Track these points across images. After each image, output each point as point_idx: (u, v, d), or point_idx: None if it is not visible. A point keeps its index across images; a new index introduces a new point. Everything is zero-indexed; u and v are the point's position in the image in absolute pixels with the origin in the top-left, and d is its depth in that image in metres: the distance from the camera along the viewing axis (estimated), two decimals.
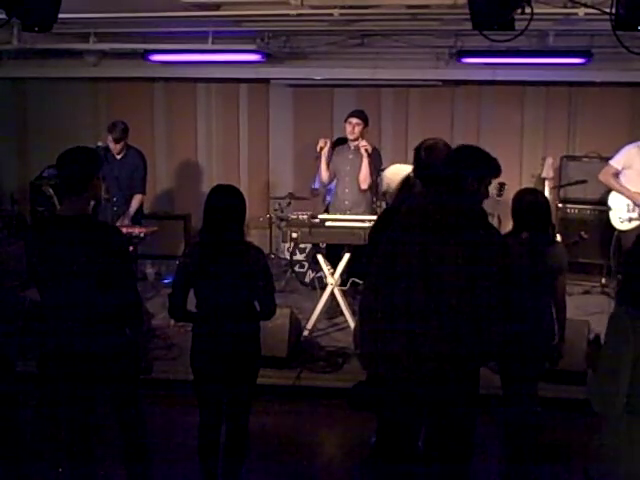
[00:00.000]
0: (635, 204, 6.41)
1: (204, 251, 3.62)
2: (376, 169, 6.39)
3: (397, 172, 5.11)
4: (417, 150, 3.59)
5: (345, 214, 6.38)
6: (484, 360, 3.27)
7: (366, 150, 6.28)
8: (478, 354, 3.06)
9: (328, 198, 7.26)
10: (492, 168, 3.45)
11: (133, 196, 7.01)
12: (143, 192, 7.12)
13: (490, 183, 3.46)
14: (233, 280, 3.57)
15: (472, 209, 3.12)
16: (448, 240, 2.99)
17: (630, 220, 6.57)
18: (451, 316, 2.95)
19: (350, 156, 6.57)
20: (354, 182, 6.52)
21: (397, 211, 3.31)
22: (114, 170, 6.79)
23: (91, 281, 3.31)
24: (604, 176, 6.61)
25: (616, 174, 6.54)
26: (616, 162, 6.54)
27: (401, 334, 3.01)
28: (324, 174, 6.61)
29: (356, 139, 6.44)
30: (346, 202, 6.58)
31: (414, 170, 3.66)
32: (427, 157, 3.51)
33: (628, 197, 6.48)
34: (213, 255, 3.57)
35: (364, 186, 6.44)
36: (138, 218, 7.11)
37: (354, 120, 6.46)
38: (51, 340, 3.43)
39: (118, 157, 6.93)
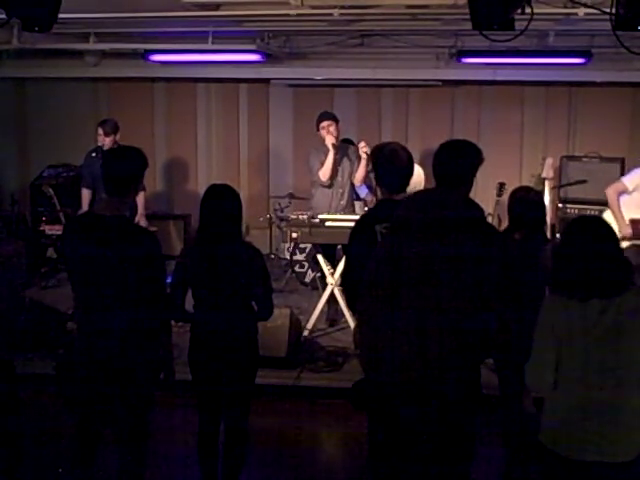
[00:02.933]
0: (621, 234, 5.90)
1: (201, 251, 3.61)
2: (352, 163, 6.47)
3: None
4: (377, 156, 3.66)
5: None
6: (482, 357, 3.26)
7: (365, 153, 6.27)
8: (478, 352, 3.06)
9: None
10: (480, 157, 3.39)
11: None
12: (143, 189, 7.14)
13: None
14: (230, 280, 3.57)
15: (470, 208, 3.11)
16: (449, 241, 2.98)
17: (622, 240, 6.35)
18: (453, 315, 2.95)
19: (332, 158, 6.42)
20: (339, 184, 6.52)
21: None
22: None
23: (125, 283, 3.25)
24: (611, 191, 6.29)
25: (622, 192, 6.26)
26: (629, 181, 6.27)
27: (403, 335, 3.00)
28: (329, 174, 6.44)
29: (336, 141, 6.33)
30: (340, 203, 6.55)
31: (376, 177, 3.72)
32: (390, 164, 3.59)
33: (618, 226, 6.09)
34: (210, 255, 3.57)
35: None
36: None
37: (326, 122, 6.36)
38: (81, 343, 3.39)
39: None
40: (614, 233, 2.85)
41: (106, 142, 6.90)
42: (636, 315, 2.68)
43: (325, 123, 6.37)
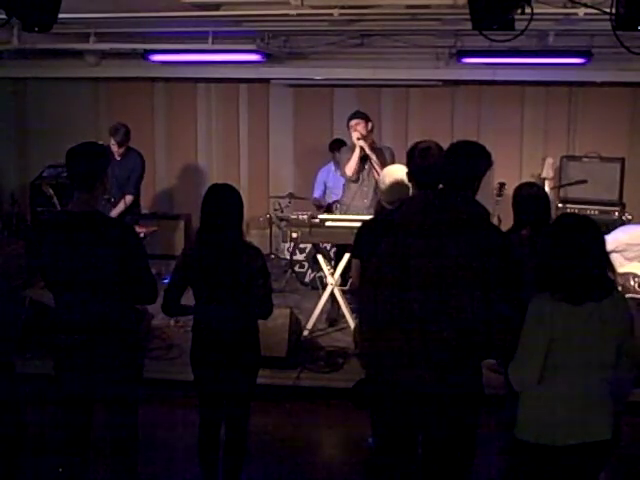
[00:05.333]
0: None
1: (202, 251, 3.62)
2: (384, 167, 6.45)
3: (388, 172, 5.07)
4: (411, 154, 3.59)
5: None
6: (485, 356, 3.26)
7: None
8: (480, 351, 3.06)
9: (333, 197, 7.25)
10: (490, 161, 3.38)
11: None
12: (133, 193, 7.05)
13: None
14: (230, 280, 3.57)
15: (476, 209, 3.11)
16: (451, 241, 2.98)
17: None
18: (456, 316, 2.94)
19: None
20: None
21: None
22: (113, 170, 6.79)
23: (105, 278, 3.30)
24: None
25: None
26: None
27: (405, 335, 3.00)
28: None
29: (365, 138, 6.38)
30: (363, 202, 6.58)
31: (409, 174, 3.64)
32: (422, 160, 3.52)
33: None
34: (211, 255, 3.57)
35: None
36: (136, 218, 7.10)
37: (354, 121, 6.40)
38: (64, 337, 3.41)
39: (118, 158, 6.92)
40: (601, 233, 2.87)
41: (119, 151, 6.88)
42: (620, 314, 2.82)
43: (353, 122, 6.44)
